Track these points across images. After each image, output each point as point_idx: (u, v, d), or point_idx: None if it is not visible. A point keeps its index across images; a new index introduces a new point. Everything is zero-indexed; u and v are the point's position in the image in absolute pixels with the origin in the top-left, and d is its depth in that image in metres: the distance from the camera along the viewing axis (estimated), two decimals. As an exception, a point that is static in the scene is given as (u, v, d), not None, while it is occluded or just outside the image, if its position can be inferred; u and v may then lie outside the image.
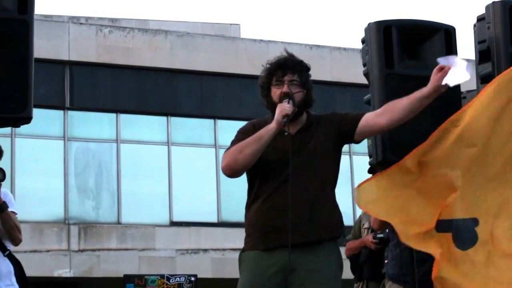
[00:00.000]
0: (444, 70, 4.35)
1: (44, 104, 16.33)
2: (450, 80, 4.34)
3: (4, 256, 5.87)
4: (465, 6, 54.56)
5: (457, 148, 4.63)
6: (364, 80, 5.50)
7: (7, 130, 16.00)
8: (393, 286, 6.89)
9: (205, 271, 16.65)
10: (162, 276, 9.85)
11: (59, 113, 17.77)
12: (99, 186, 17.95)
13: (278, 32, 54.40)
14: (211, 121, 18.85)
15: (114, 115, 18.20)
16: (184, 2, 48.63)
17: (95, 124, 18.11)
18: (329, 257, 4.42)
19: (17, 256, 6.00)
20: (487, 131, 4.63)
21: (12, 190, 15.37)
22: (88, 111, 18.00)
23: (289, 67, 4.49)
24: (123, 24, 19.99)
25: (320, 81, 16.52)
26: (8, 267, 5.88)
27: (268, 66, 4.54)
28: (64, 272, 16.98)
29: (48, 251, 16.95)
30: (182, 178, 18.33)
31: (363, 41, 5.45)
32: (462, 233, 4.62)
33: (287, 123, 4.36)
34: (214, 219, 18.45)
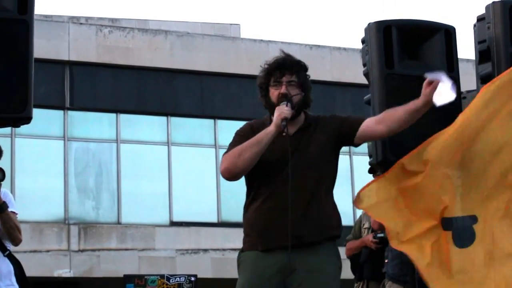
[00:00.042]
0: (433, 84, 4.28)
1: (44, 104, 16.33)
2: (437, 99, 4.32)
3: (4, 256, 5.86)
4: (465, 6, 54.59)
5: (457, 147, 4.64)
6: (364, 80, 5.50)
7: (7, 130, 15.98)
8: (393, 286, 6.90)
9: (205, 271, 16.65)
10: (162, 276, 9.87)
11: (59, 113, 17.76)
12: (99, 186, 17.94)
13: (278, 32, 54.43)
14: (211, 121, 18.84)
15: (114, 115, 18.19)
16: (184, 2, 48.64)
17: (95, 124, 18.10)
18: (328, 257, 4.40)
19: (17, 256, 5.99)
20: (487, 130, 4.63)
21: (12, 190, 15.36)
22: (88, 111, 17.99)
23: (287, 67, 4.46)
24: (123, 24, 19.98)
25: (320, 81, 16.51)
26: (8, 267, 5.87)
27: (266, 66, 4.51)
28: (64, 272, 16.97)
29: (48, 251, 16.95)
30: (182, 178, 18.32)
31: (363, 41, 5.45)
32: (461, 231, 4.63)
33: (286, 126, 4.34)
34: (214, 219, 18.44)
